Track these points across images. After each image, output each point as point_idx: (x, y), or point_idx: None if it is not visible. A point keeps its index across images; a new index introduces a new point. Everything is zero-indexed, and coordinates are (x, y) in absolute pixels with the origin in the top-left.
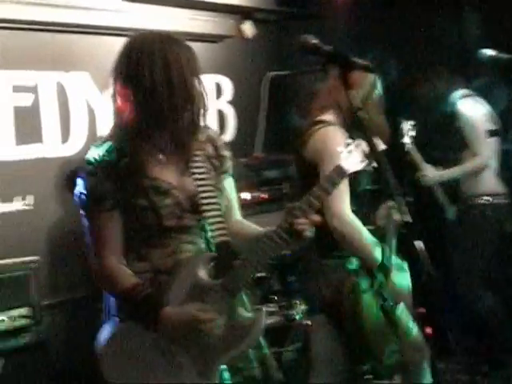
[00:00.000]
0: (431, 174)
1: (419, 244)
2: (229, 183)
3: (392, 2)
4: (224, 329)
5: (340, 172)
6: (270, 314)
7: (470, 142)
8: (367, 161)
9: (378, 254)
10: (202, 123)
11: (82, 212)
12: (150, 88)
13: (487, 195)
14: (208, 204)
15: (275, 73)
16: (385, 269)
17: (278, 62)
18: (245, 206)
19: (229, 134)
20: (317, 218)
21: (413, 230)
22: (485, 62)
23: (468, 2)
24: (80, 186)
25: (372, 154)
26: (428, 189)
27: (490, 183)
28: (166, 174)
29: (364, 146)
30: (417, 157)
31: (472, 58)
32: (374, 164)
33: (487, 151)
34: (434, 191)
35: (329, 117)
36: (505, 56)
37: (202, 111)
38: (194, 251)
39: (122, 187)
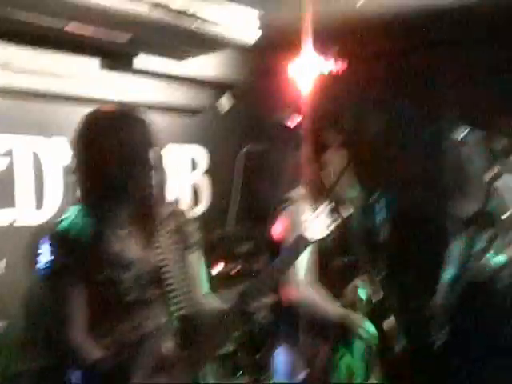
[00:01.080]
0: None
1: (390, 322)
2: (194, 258)
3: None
4: None
5: (302, 241)
6: None
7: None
8: (332, 227)
9: (346, 320)
10: (164, 197)
11: (45, 284)
12: (104, 163)
13: None
14: (171, 277)
15: (250, 147)
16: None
17: (254, 136)
18: (217, 278)
19: (203, 206)
20: (269, 300)
21: (384, 307)
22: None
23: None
24: (44, 259)
25: (341, 226)
26: None
27: None
28: (128, 248)
29: (328, 212)
30: None
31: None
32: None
33: None
34: None
35: (298, 193)
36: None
37: (162, 184)
38: (157, 325)
39: (84, 261)
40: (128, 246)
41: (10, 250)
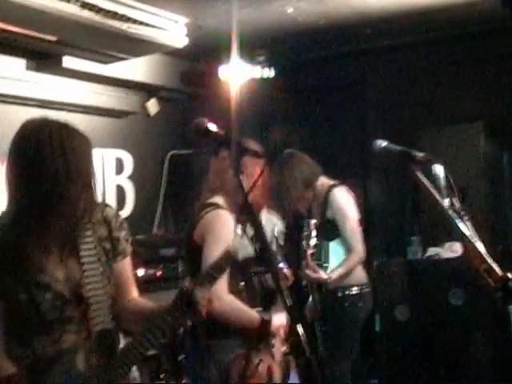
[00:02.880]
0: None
1: (299, 327)
2: (123, 265)
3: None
4: None
5: (228, 257)
6: None
7: (345, 235)
8: (254, 244)
9: (259, 316)
10: (96, 203)
11: None
12: (44, 174)
13: (357, 286)
14: (92, 291)
15: (176, 151)
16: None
17: (180, 141)
18: (140, 283)
19: (127, 210)
20: (210, 295)
21: (293, 314)
22: (378, 153)
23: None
24: None
25: (257, 236)
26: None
27: (359, 274)
28: (50, 264)
29: (251, 230)
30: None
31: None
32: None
33: (362, 245)
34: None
35: (218, 199)
36: (397, 147)
37: (93, 200)
38: (76, 341)
39: (3, 279)
40: (51, 260)
41: None
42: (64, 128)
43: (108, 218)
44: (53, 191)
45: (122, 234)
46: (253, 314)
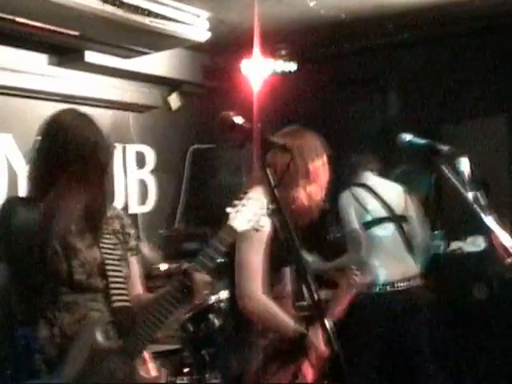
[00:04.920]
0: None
1: (327, 322)
2: (134, 260)
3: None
4: None
5: (229, 231)
6: None
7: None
8: (256, 220)
9: (294, 327)
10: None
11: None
12: (67, 160)
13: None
14: (112, 272)
15: (198, 146)
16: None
17: (202, 135)
18: (163, 277)
19: (150, 204)
20: (208, 278)
21: (320, 309)
22: (404, 147)
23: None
24: None
25: (284, 231)
26: None
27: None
28: (75, 243)
29: (253, 204)
30: None
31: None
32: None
33: (357, 249)
34: None
35: (254, 192)
36: (422, 141)
37: (111, 185)
38: (98, 315)
39: (35, 244)
40: (75, 240)
41: None
42: (83, 117)
43: (120, 215)
44: (73, 176)
45: (132, 231)
46: (286, 320)
